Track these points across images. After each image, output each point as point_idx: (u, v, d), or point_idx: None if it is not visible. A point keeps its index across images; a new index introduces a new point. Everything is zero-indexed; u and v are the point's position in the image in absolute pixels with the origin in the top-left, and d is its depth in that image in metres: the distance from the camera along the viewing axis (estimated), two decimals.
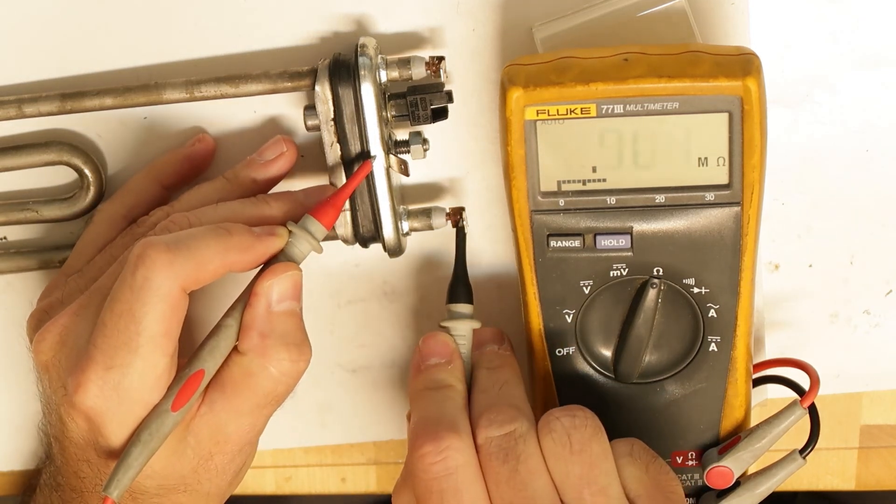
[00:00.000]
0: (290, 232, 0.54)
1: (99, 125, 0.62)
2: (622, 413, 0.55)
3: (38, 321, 0.57)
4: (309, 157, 0.61)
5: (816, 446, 0.57)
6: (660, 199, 0.54)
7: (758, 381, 0.60)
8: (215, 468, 0.54)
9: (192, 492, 0.55)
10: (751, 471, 0.59)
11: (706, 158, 0.53)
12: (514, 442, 0.51)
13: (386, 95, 0.57)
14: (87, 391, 0.51)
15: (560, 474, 0.51)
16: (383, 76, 0.57)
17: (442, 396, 0.54)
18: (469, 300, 0.57)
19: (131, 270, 0.51)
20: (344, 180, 0.57)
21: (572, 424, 0.51)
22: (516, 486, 0.51)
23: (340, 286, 0.64)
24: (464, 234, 0.59)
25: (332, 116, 0.57)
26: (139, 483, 0.53)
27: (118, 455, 0.52)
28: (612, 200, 0.54)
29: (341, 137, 0.57)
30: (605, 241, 0.55)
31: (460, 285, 0.57)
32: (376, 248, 0.60)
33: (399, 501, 0.54)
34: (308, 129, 0.58)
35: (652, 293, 0.56)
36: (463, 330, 0.56)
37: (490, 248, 0.62)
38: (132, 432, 0.52)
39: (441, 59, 0.57)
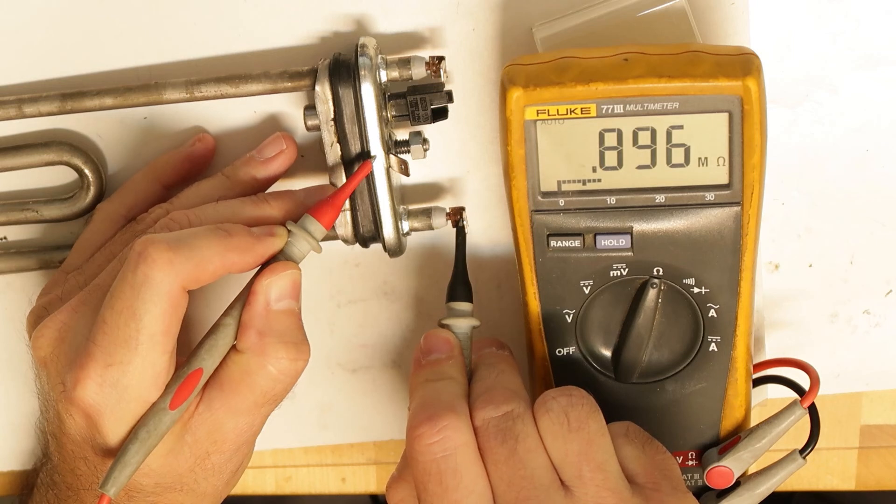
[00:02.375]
0: (289, 232, 0.54)
1: (99, 125, 0.62)
2: (622, 413, 0.55)
3: (38, 318, 0.57)
4: (309, 157, 0.61)
5: (816, 446, 0.57)
6: (660, 199, 0.54)
7: (758, 381, 0.60)
8: (212, 467, 0.54)
9: (188, 491, 0.55)
10: (751, 471, 0.59)
11: (706, 158, 0.53)
12: (512, 422, 0.51)
13: (386, 95, 0.57)
14: (86, 387, 0.51)
15: (558, 452, 0.51)
16: (383, 76, 0.57)
17: (441, 385, 0.54)
18: (469, 298, 0.57)
19: (132, 268, 0.51)
20: (344, 180, 0.58)
21: (569, 403, 0.52)
22: (515, 466, 0.51)
23: (340, 286, 0.64)
24: (464, 234, 0.59)
25: (332, 116, 0.57)
26: (136, 481, 0.53)
27: (115, 452, 0.52)
28: (612, 200, 0.54)
29: (341, 137, 0.57)
30: (605, 241, 0.55)
31: (460, 284, 0.57)
32: (376, 248, 0.60)
33: (394, 497, 0.54)
34: (308, 129, 0.58)
35: (652, 293, 0.56)
36: (463, 327, 0.56)
37: (490, 249, 0.63)
38: (130, 430, 0.52)
39: (441, 59, 0.57)
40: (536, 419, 0.52)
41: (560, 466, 0.51)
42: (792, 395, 0.58)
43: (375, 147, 0.57)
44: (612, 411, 0.54)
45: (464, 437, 0.51)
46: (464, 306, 0.57)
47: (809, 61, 0.59)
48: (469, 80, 0.60)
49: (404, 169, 0.58)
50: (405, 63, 0.57)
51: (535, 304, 0.57)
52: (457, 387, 0.54)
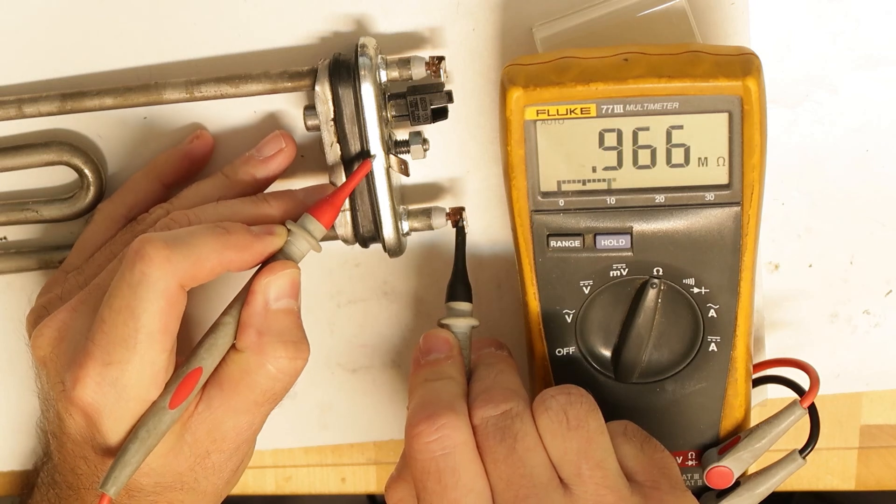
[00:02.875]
0: (288, 231, 0.54)
1: (99, 125, 0.62)
2: (622, 413, 0.55)
3: (38, 317, 0.57)
4: (309, 157, 0.61)
5: (816, 446, 0.57)
6: (660, 199, 0.54)
7: (758, 381, 0.60)
8: (212, 466, 0.54)
9: (188, 490, 0.55)
10: (751, 471, 0.59)
11: (706, 158, 0.53)
12: (511, 420, 0.51)
13: (386, 95, 0.57)
14: (85, 386, 0.51)
15: (557, 450, 0.51)
16: (383, 76, 0.57)
17: (440, 385, 0.54)
18: (468, 298, 0.57)
19: (129, 266, 0.51)
20: (344, 180, 0.57)
21: (568, 401, 0.52)
22: (514, 464, 0.51)
23: (340, 286, 0.64)
24: (464, 233, 0.59)
25: (332, 116, 0.57)
26: (136, 480, 0.53)
27: (115, 452, 0.52)
28: (612, 200, 0.54)
29: (341, 137, 0.57)
30: (605, 241, 0.55)
31: (460, 284, 0.57)
32: (376, 248, 0.60)
33: (394, 496, 0.54)
34: (308, 129, 0.58)
35: (652, 293, 0.56)
36: (462, 327, 0.56)
37: (490, 249, 0.62)
38: (129, 429, 0.52)
39: (441, 59, 0.57)
40: (535, 418, 0.52)
41: (559, 465, 0.51)
42: (792, 395, 0.58)
43: (375, 147, 0.57)
44: (612, 411, 0.54)
45: (462, 435, 0.51)
46: (463, 306, 0.57)
47: (809, 61, 0.59)
48: (469, 80, 0.60)
49: (404, 169, 0.58)
50: (405, 63, 0.57)
51: (535, 304, 0.57)
52: (455, 386, 0.54)
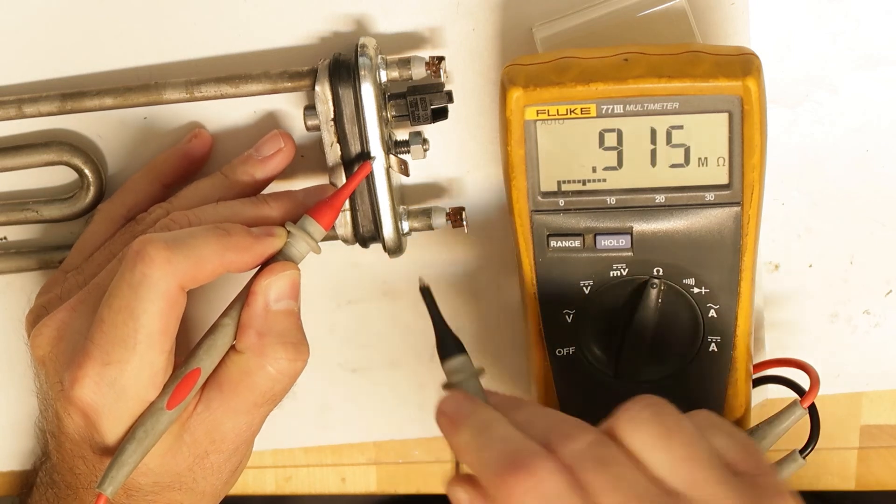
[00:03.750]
0: (288, 232, 0.54)
1: (99, 125, 0.62)
2: None
3: (37, 317, 0.57)
4: (309, 157, 0.61)
5: (816, 446, 0.57)
6: (660, 199, 0.54)
7: (758, 381, 0.60)
8: (211, 467, 0.54)
9: (187, 490, 0.55)
10: None
11: (706, 158, 0.53)
12: (599, 448, 0.47)
13: (386, 95, 0.57)
14: (84, 386, 0.51)
15: (664, 462, 0.47)
16: (383, 76, 0.57)
17: (497, 433, 0.48)
18: (461, 349, 0.52)
19: (130, 267, 0.51)
20: (344, 180, 0.58)
21: (655, 411, 0.48)
22: (622, 489, 0.46)
23: (340, 286, 0.64)
24: (430, 293, 0.53)
25: (332, 116, 0.57)
26: (134, 480, 0.53)
27: (113, 452, 0.52)
28: (612, 200, 0.54)
29: (341, 137, 0.57)
30: (605, 241, 0.55)
31: (447, 339, 0.52)
32: (376, 248, 0.60)
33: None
34: (308, 129, 0.58)
35: (652, 293, 0.56)
36: (471, 382, 0.51)
37: (490, 248, 0.62)
38: (127, 429, 0.52)
39: (441, 59, 0.57)
40: (625, 437, 0.47)
41: (668, 476, 0.47)
42: (792, 395, 0.58)
43: (375, 147, 0.57)
44: (613, 412, 0.54)
45: (565, 476, 0.46)
46: (460, 361, 0.51)
47: (809, 61, 0.59)
48: (469, 80, 0.60)
49: (404, 169, 0.58)
50: (405, 63, 0.57)
51: (534, 304, 0.57)
52: (510, 429, 0.48)
